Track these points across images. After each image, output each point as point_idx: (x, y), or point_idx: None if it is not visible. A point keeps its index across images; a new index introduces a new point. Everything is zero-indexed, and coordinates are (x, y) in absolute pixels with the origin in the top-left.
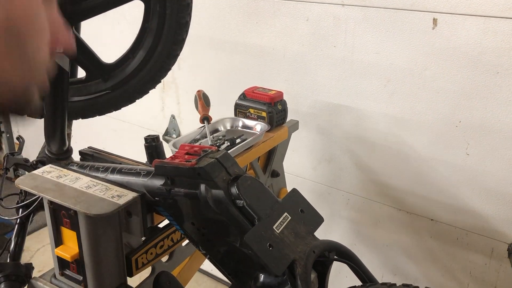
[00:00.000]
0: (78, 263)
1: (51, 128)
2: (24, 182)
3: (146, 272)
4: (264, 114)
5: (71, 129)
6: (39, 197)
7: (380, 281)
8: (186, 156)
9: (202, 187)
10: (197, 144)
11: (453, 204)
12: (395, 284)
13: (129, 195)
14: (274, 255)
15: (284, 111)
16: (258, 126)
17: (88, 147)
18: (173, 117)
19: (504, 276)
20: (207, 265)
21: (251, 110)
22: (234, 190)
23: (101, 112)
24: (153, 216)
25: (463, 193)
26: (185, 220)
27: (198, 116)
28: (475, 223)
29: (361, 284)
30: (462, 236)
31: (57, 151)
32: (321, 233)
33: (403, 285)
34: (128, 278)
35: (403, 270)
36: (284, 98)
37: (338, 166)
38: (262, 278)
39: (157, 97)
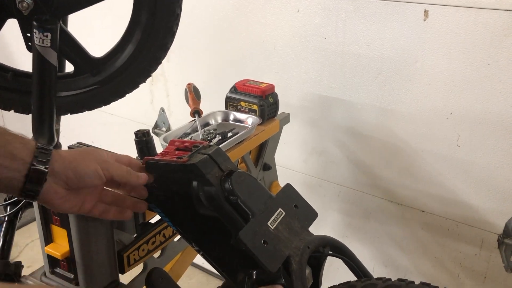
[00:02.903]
0: (69, 261)
1: (39, 124)
2: None
3: (138, 269)
4: (255, 107)
5: (59, 125)
6: None
7: (371, 273)
8: (177, 152)
9: (194, 183)
10: (188, 138)
11: (444, 196)
12: (390, 279)
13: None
14: (268, 252)
15: (276, 104)
16: (249, 120)
17: (77, 143)
18: (162, 110)
19: (494, 266)
20: (199, 259)
21: (242, 103)
22: (227, 186)
23: (90, 107)
24: (145, 212)
25: (454, 184)
26: (177, 217)
27: (187, 108)
28: (465, 214)
29: (356, 279)
30: (452, 227)
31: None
32: (312, 226)
33: (399, 279)
34: (120, 275)
35: (395, 262)
36: (275, 90)
37: (329, 159)
38: (256, 275)
39: (146, 90)
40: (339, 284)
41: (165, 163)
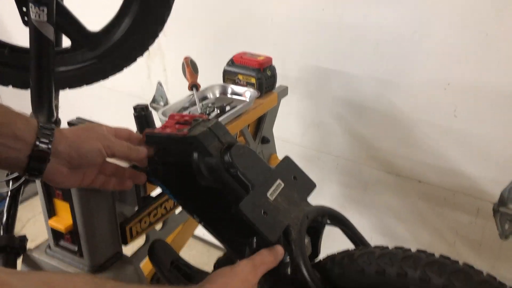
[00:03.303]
0: (72, 234)
1: (38, 99)
2: None
3: (141, 241)
4: (253, 80)
5: (58, 100)
6: None
7: (370, 242)
8: (177, 126)
9: (195, 155)
10: (186, 112)
11: (441, 166)
12: (387, 247)
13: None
14: (268, 222)
15: (274, 76)
16: (247, 93)
17: (76, 118)
18: (160, 84)
19: (489, 234)
20: (200, 231)
21: (240, 77)
22: (227, 158)
23: (89, 82)
24: (146, 186)
25: (451, 154)
26: (178, 189)
27: (185, 82)
28: (462, 183)
29: (354, 247)
30: (449, 196)
31: (45, 122)
32: (312, 197)
33: (396, 247)
34: (123, 247)
35: (392, 231)
36: (273, 63)
37: (327, 131)
38: (256, 244)
39: (143, 64)
40: (338, 252)
41: (165, 135)
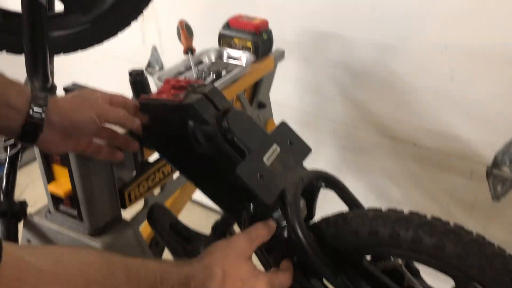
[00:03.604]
0: (71, 199)
1: (33, 65)
2: None
3: (140, 205)
4: (249, 44)
5: (53, 65)
6: None
7: (365, 205)
8: (172, 91)
9: (191, 123)
10: (181, 77)
11: (436, 129)
12: (380, 209)
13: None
14: (265, 186)
15: (270, 40)
16: (243, 57)
17: (72, 84)
18: (154, 48)
19: (482, 197)
20: (198, 195)
21: (236, 40)
22: (224, 124)
23: (83, 47)
24: (143, 151)
25: (446, 118)
26: (174, 156)
27: (180, 46)
28: (456, 146)
29: (348, 209)
30: (443, 159)
31: (41, 88)
32: (308, 161)
33: (389, 209)
34: (123, 211)
35: (387, 194)
36: (269, 26)
37: (324, 95)
38: (253, 208)
39: (137, 28)
40: (332, 215)
41: (160, 103)
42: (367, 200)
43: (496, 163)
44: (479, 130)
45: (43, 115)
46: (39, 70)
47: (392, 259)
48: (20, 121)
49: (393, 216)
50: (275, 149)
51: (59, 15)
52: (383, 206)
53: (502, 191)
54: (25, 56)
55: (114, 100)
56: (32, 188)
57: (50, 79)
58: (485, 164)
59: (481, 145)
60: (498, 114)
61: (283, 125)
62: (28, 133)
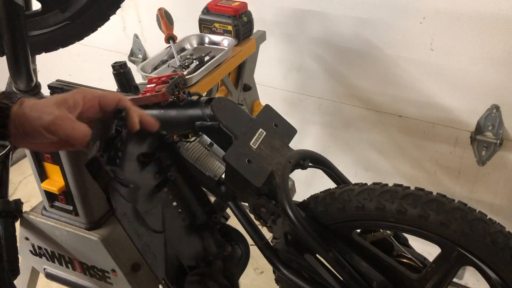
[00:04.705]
0: (66, 195)
1: (15, 65)
2: None
3: None
4: (229, 27)
5: (35, 64)
6: None
7: (354, 178)
8: (157, 88)
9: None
10: (165, 65)
11: (420, 100)
12: (366, 184)
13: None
14: (253, 169)
15: (250, 22)
16: (225, 41)
17: (56, 80)
18: (136, 36)
19: (467, 162)
20: None
21: (216, 25)
22: (208, 112)
23: (64, 44)
24: None
25: (429, 88)
26: None
27: (161, 33)
28: (440, 115)
29: (335, 186)
30: (428, 128)
31: (26, 88)
32: (296, 140)
33: (374, 183)
34: None
35: (375, 166)
36: (249, 8)
37: (308, 73)
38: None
39: (117, 17)
40: (320, 192)
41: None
42: (356, 174)
43: (479, 128)
44: (461, 98)
45: (6, 112)
46: (22, 70)
47: (381, 230)
48: None
49: (378, 190)
50: (261, 132)
51: (37, 14)
52: (373, 178)
53: (486, 155)
54: (6, 57)
55: (104, 102)
56: (25, 184)
57: (34, 78)
58: (469, 130)
59: (464, 112)
60: (478, 81)
61: (268, 108)
62: None
